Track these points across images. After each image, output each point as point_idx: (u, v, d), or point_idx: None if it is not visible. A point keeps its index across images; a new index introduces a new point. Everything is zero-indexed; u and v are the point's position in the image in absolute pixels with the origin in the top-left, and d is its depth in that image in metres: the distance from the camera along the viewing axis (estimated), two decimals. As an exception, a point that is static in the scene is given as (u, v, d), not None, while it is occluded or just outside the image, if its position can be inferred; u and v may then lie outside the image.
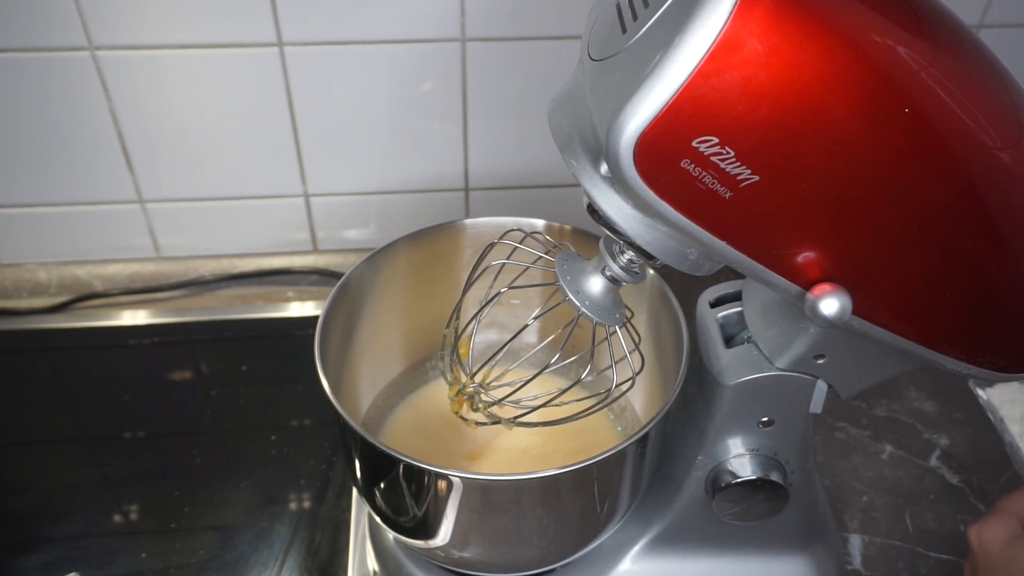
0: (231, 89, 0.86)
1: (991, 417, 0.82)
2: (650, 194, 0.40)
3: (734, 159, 0.39)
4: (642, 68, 0.38)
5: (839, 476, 0.80)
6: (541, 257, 0.61)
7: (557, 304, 0.56)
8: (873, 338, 0.47)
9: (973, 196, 0.42)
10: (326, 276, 0.98)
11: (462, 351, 0.65)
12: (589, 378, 0.60)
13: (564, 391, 0.60)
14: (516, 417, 0.61)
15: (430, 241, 0.71)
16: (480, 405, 0.63)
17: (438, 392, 0.77)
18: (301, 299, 0.95)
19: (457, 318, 0.63)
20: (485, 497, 0.58)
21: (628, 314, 0.58)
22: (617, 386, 0.59)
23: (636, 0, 0.41)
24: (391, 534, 0.71)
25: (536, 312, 0.63)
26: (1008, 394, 0.85)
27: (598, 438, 0.74)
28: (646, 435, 0.57)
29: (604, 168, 0.44)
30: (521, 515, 0.59)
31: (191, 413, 0.84)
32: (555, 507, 0.60)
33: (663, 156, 0.39)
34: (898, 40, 0.39)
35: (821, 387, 0.57)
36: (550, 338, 0.73)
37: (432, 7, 0.82)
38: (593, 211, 0.47)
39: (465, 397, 0.63)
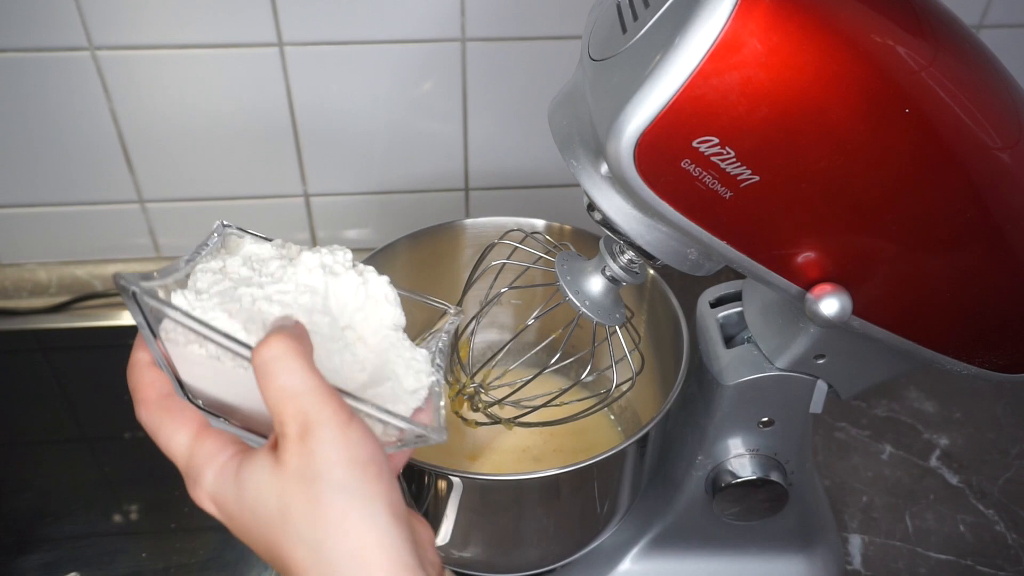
0: (231, 89, 0.86)
1: None
2: (650, 194, 0.40)
3: (734, 159, 0.39)
4: (642, 68, 0.38)
5: (839, 476, 0.80)
6: (541, 257, 0.61)
7: (557, 304, 0.56)
8: (873, 338, 0.47)
9: (973, 196, 0.42)
10: (326, 276, 0.98)
11: (462, 351, 0.65)
12: (589, 378, 0.60)
13: (564, 391, 0.60)
14: (516, 417, 0.61)
15: (430, 241, 0.71)
16: (480, 405, 0.63)
17: (438, 392, 0.77)
18: (301, 299, 0.95)
19: (457, 318, 0.63)
20: (485, 497, 0.58)
21: (628, 314, 0.58)
22: (617, 386, 0.59)
23: (636, 0, 0.41)
24: None
25: (536, 312, 0.63)
26: None
27: (598, 438, 0.74)
28: (646, 435, 0.58)
29: (604, 168, 0.44)
30: (521, 515, 0.59)
31: (191, 413, 0.84)
32: (555, 507, 0.60)
33: (663, 156, 0.39)
34: (898, 40, 0.39)
35: (821, 387, 0.57)
36: (550, 338, 0.73)
37: (432, 7, 0.82)
38: (593, 211, 0.47)
39: (465, 397, 0.63)
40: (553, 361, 0.58)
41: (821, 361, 0.55)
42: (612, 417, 0.76)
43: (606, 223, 0.47)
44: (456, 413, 0.64)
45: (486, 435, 0.74)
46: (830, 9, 0.38)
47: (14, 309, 0.93)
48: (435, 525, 0.59)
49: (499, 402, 0.61)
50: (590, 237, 0.70)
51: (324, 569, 0.34)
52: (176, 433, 0.40)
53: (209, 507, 0.38)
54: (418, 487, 0.57)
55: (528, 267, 0.62)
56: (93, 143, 0.88)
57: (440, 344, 0.47)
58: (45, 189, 0.92)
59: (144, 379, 0.42)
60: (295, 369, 0.35)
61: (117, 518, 0.75)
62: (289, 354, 0.35)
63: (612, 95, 0.40)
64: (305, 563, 0.35)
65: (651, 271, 0.68)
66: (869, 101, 0.38)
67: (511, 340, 0.63)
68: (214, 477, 0.38)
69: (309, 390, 0.35)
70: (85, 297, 0.94)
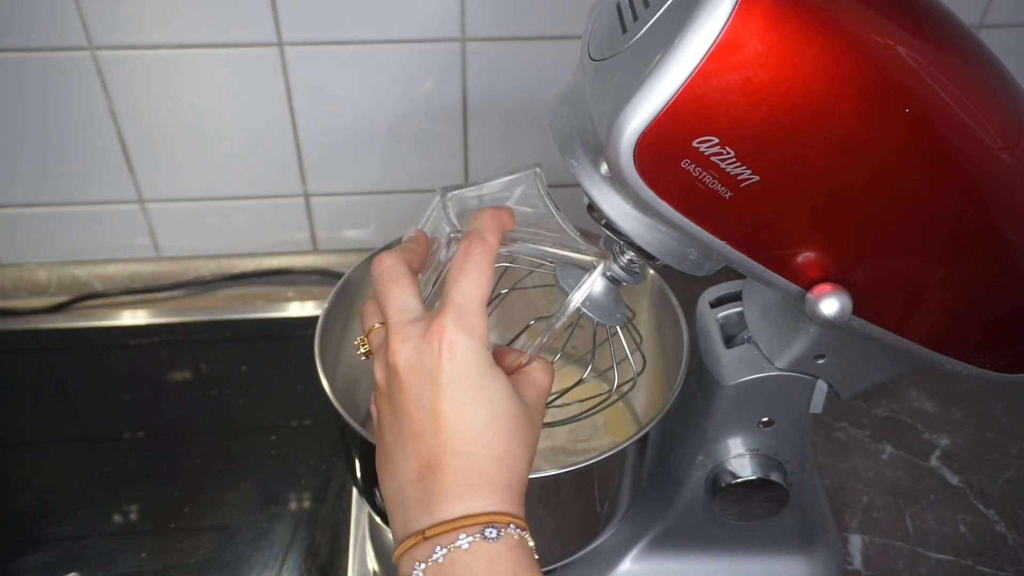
0: (231, 89, 0.86)
1: None
2: (650, 194, 0.40)
3: (734, 159, 0.39)
4: (642, 68, 0.38)
5: (839, 476, 0.80)
6: (541, 257, 0.60)
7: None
8: (873, 338, 0.47)
9: (973, 196, 0.42)
10: (326, 276, 0.98)
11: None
12: (590, 379, 0.60)
13: (564, 392, 0.60)
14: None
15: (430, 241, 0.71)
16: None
17: (438, 392, 0.77)
18: (301, 299, 0.95)
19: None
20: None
21: (629, 314, 0.58)
22: (618, 387, 0.59)
23: (636, 0, 0.41)
24: (391, 534, 0.71)
25: (537, 314, 0.63)
26: None
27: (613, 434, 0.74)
28: (646, 435, 0.58)
29: (604, 168, 0.44)
30: (521, 515, 0.59)
31: (191, 413, 0.84)
32: (555, 507, 0.60)
33: (663, 156, 0.39)
34: (898, 40, 0.39)
35: (821, 387, 0.57)
36: (546, 338, 0.73)
37: (432, 7, 0.82)
38: (593, 211, 0.47)
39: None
40: (553, 363, 0.58)
41: (821, 361, 0.55)
42: (628, 416, 0.76)
43: (606, 223, 0.47)
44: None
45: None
46: (830, 9, 0.38)
47: (14, 309, 0.93)
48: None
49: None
50: (590, 237, 0.69)
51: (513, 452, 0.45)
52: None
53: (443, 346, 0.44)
54: (418, 487, 0.57)
55: (531, 271, 0.62)
56: (93, 143, 0.88)
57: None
58: (45, 189, 0.92)
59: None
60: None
61: (117, 518, 0.75)
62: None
63: (612, 95, 0.40)
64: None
65: (651, 271, 0.68)
66: (869, 101, 0.38)
67: (512, 341, 0.63)
68: (477, 342, 0.45)
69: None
70: (85, 297, 0.94)
